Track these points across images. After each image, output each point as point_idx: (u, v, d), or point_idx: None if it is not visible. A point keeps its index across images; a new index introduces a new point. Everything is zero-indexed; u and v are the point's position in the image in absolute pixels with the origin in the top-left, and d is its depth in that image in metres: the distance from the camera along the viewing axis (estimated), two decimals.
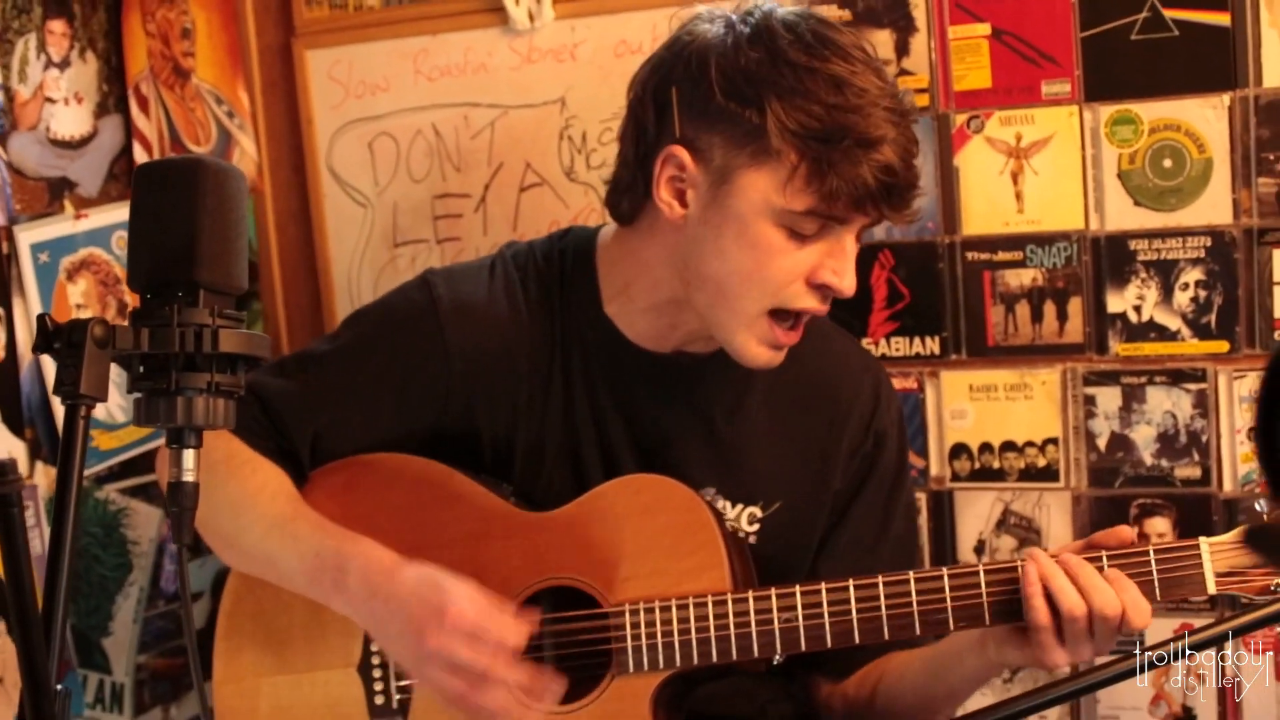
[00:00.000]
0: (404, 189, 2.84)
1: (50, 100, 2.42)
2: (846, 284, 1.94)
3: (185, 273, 1.36)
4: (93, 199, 2.51)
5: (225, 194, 1.39)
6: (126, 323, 1.35)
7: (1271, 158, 2.40)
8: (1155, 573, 1.83)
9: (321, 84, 2.86)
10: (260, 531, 2.05)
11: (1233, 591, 1.81)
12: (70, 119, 2.46)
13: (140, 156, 2.57)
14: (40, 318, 1.32)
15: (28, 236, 2.34)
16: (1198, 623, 2.47)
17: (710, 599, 1.94)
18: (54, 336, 1.32)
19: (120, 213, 2.53)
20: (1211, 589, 1.82)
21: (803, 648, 1.93)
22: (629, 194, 2.03)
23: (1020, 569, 1.85)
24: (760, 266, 1.93)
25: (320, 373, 2.13)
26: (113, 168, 2.55)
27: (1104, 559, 1.85)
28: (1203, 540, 1.82)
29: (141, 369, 1.37)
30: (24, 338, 2.33)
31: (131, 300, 2.52)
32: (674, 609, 1.95)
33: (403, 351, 2.10)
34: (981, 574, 1.87)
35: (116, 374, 1.37)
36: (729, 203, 1.91)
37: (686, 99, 1.92)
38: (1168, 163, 2.45)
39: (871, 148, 1.86)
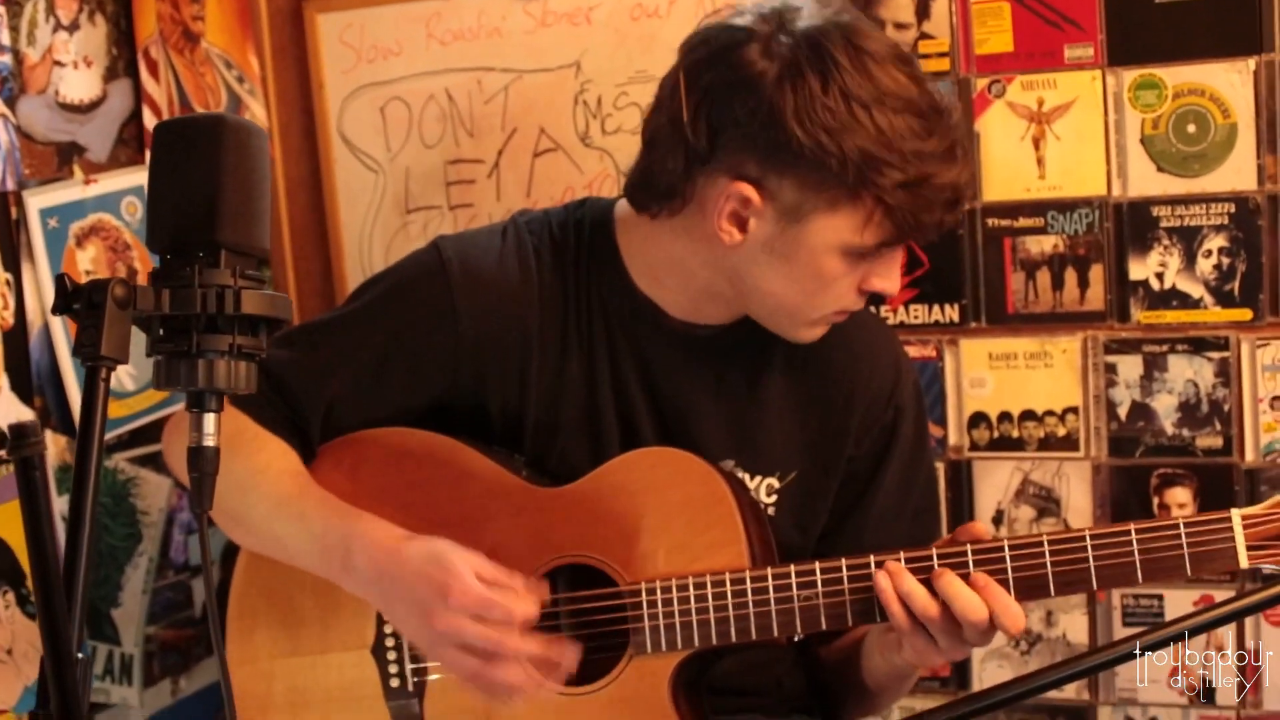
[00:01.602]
0: (416, 155, 2.81)
1: (59, 63, 2.38)
2: (894, 288, 1.99)
3: (206, 233, 1.34)
4: (102, 164, 2.48)
5: (247, 152, 1.37)
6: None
7: None
8: (1185, 547, 1.80)
9: (332, 48, 2.82)
10: (266, 510, 2.02)
11: (1266, 564, 1.78)
12: (79, 82, 2.43)
13: (150, 121, 2.54)
14: (59, 278, 1.30)
15: (37, 201, 2.31)
16: (1218, 595, 2.46)
17: (729, 577, 1.91)
18: (74, 297, 1.30)
19: (129, 178, 2.50)
20: (1244, 563, 1.78)
21: (823, 626, 1.90)
22: (666, 200, 1.99)
23: (874, 581, 1.86)
24: (823, 289, 1.96)
25: (327, 341, 2.10)
26: (122, 132, 2.52)
27: (970, 564, 1.84)
28: (1234, 512, 1.79)
29: (162, 331, 1.35)
30: (33, 304, 2.31)
31: (142, 267, 2.49)
32: (691, 588, 1.92)
33: (412, 316, 2.07)
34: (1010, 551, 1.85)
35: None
36: (799, 238, 1.91)
37: (754, 140, 1.88)
38: (1192, 128, 2.43)
39: (947, 191, 1.89)
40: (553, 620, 1.98)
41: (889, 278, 1.97)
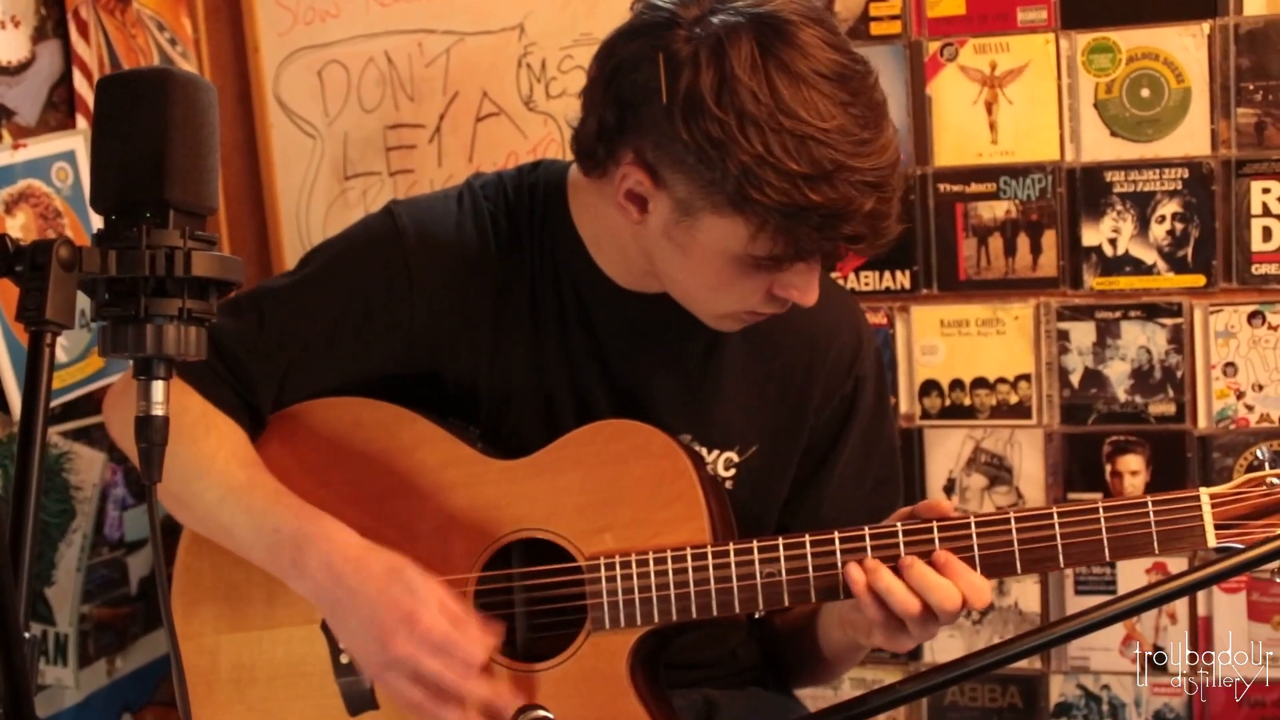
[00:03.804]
0: (355, 119, 2.76)
1: None
2: (808, 299, 1.88)
3: (154, 191, 1.28)
4: (31, 128, 2.40)
5: (195, 107, 1.32)
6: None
7: (1251, 88, 2.37)
8: (1154, 525, 1.77)
9: (268, 10, 2.76)
10: (214, 500, 1.96)
11: (1232, 544, 1.76)
12: (7, 43, 2.35)
13: (80, 84, 2.46)
14: (0, 238, 1.23)
15: None
16: (1171, 565, 2.45)
17: (689, 552, 1.87)
18: (15, 258, 1.24)
19: (60, 143, 2.43)
20: (1212, 541, 1.76)
21: (786, 603, 1.87)
22: (588, 163, 1.93)
23: (844, 575, 1.81)
24: (722, 286, 1.87)
25: (277, 309, 2.04)
26: (51, 95, 2.44)
27: (936, 540, 1.81)
28: (1203, 490, 1.76)
29: (107, 295, 1.29)
30: None
31: (74, 235, 2.42)
32: (651, 564, 1.88)
33: (365, 283, 2.01)
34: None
35: None
36: (692, 233, 1.83)
37: (652, 127, 1.80)
38: (1145, 92, 2.41)
39: (840, 220, 1.75)
40: (508, 596, 1.93)
41: (801, 289, 1.87)
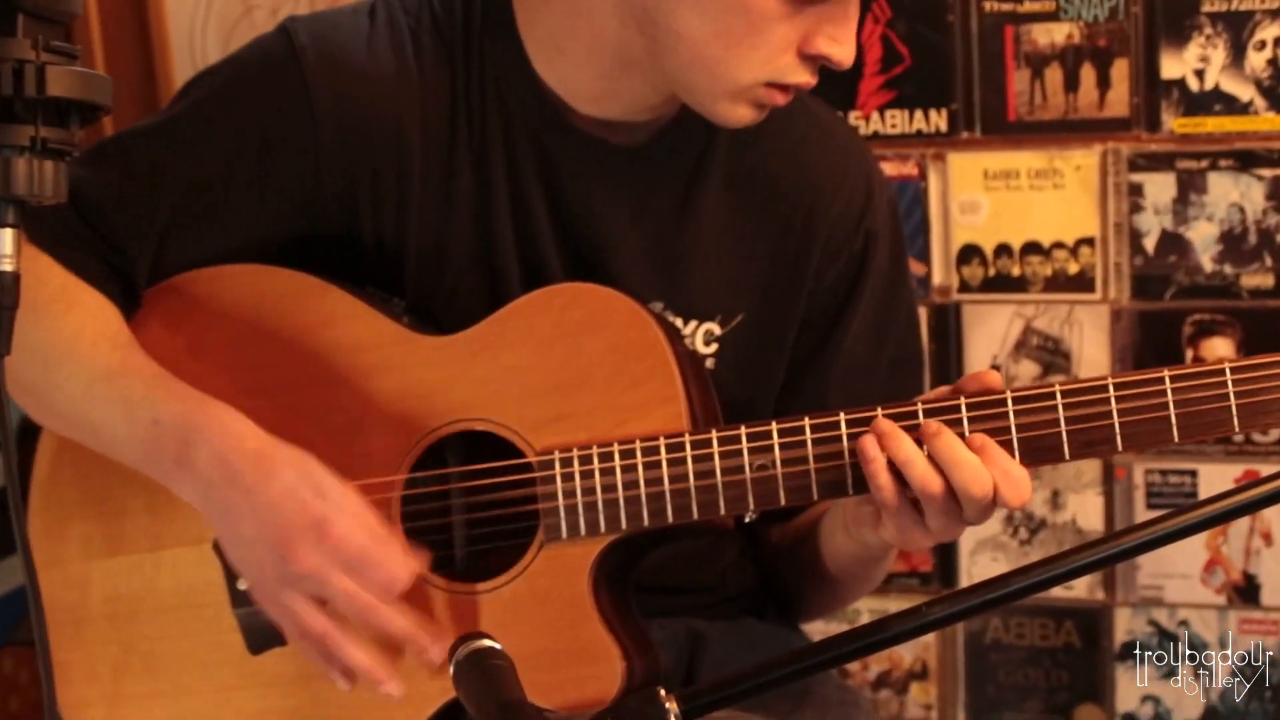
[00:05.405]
0: None
1: None
2: (846, 54, 1.88)
3: None
4: None
5: None
6: None
7: None
8: (1233, 397, 1.78)
9: None
10: (78, 389, 1.96)
11: None
12: None
13: None
14: None
15: None
16: (1264, 470, 2.47)
17: (663, 443, 1.87)
18: None
19: None
20: None
21: (782, 502, 1.87)
22: None
23: (857, 446, 1.80)
24: (751, 33, 1.86)
25: (150, 153, 2.03)
26: None
27: (965, 422, 1.80)
28: None
29: None
30: None
31: None
32: (617, 457, 1.89)
33: (256, 116, 2.00)
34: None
35: None
36: None
37: None
38: None
39: None
40: (444, 501, 1.95)
41: (838, 40, 1.87)
